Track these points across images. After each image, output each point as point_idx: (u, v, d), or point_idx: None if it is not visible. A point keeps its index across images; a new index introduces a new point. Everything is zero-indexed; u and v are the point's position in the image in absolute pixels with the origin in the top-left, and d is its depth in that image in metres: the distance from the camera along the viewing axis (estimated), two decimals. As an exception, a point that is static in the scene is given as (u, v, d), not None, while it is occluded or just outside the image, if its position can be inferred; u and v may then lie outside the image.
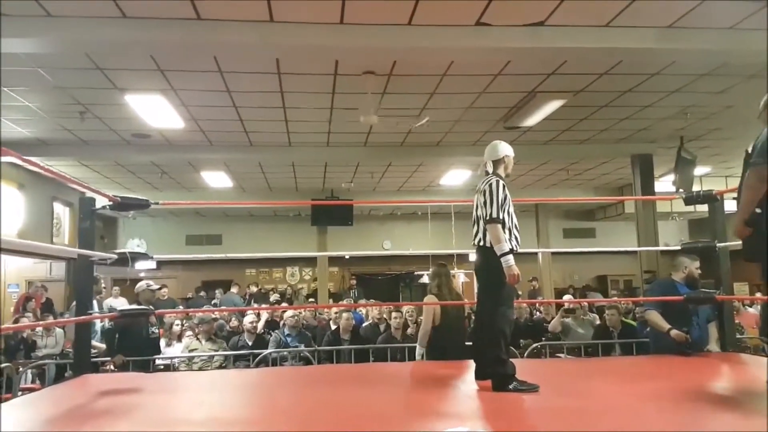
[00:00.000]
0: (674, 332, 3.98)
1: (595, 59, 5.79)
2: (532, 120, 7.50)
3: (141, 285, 5.71)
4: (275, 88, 6.46)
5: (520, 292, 11.47)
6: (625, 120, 8.11)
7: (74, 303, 4.01)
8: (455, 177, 11.29)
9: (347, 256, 16.04)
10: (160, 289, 6.06)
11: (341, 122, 7.81)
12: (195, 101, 6.93)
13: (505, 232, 3.12)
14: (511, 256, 3.06)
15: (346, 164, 10.45)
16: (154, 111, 7.10)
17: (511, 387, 3.01)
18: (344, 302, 10.63)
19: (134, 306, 5.16)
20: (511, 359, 3.14)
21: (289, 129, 8.15)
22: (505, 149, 3.38)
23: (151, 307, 4.84)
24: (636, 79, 6.50)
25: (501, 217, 3.11)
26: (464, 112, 7.53)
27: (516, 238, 3.21)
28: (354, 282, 15.22)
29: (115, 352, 5.21)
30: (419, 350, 4.47)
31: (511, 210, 3.22)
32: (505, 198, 3.18)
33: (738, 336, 5.51)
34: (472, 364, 3.28)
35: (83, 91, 6.52)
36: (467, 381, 3.34)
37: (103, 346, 5.98)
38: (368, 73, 5.92)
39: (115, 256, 3.88)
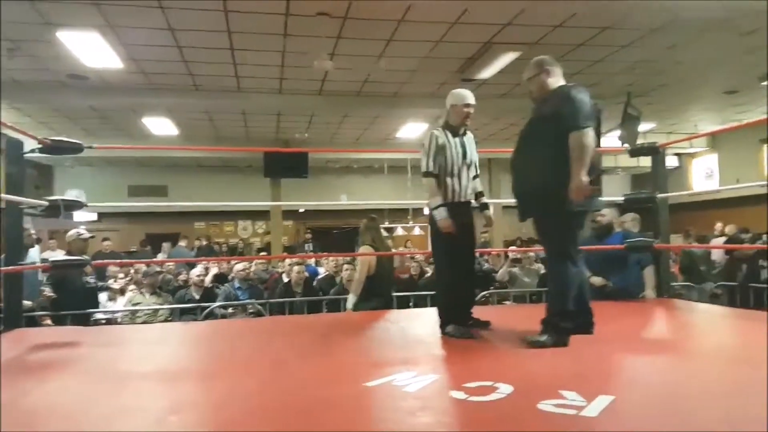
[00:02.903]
0: (593, 279, 4.16)
1: (551, 10, 5.75)
2: (488, 72, 7.45)
3: (71, 234, 5.25)
4: (222, 27, 6.12)
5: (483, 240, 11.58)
6: (577, 75, 8.14)
7: (2, 256, 3.74)
8: (412, 130, 11.18)
9: (302, 209, 15.81)
10: (92, 237, 5.65)
11: (294, 68, 7.52)
12: (134, 40, 6.51)
13: (441, 185, 3.12)
14: (441, 209, 3.07)
15: (300, 113, 10.15)
16: (90, 49, 6.65)
17: (449, 331, 3.07)
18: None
19: (67, 257, 4.82)
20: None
21: (238, 73, 7.80)
22: (450, 99, 3.28)
23: (86, 256, 4.56)
24: (589, 32, 6.52)
25: (431, 170, 3.12)
26: (421, 62, 7.39)
27: (455, 190, 3.17)
28: (309, 236, 15.10)
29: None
30: (352, 298, 4.67)
31: (452, 160, 3.16)
32: (439, 149, 3.13)
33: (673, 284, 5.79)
34: (416, 314, 3.31)
35: (11, 26, 6.00)
36: (415, 329, 3.37)
37: (30, 303, 5.64)
38: (322, 14, 5.67)
39: (45, 204, 3.63)
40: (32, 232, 5.51)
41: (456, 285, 3.24)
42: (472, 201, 3.31)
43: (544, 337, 2.73)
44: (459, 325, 3.11)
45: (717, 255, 8.20)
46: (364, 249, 4.75)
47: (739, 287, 5.93)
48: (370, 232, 4.75)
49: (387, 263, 4.88)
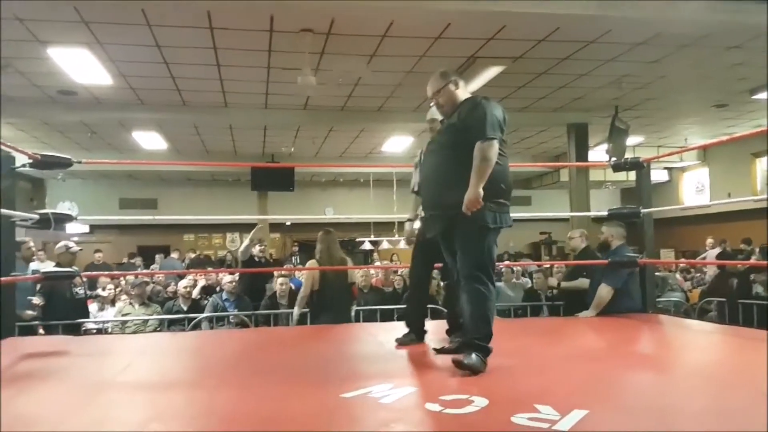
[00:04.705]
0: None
1: (534, 25, 5.83)
2: (472, 86, 7.49)
3: (60, 247, 5.38)
4: (208, 44, 6.19)
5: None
6: (562, 88, 8.26)
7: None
8: (397, 144, 11.25)
9: (288, 222, 15.84)
10: (80, 250, 5.75)
11: (279, 83, 7.59)
12: (123, 56, 6.58)
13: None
14: (406, 223, 3.49)
15: (286, 128, 10.23)
16: (80, 66, 6.73)
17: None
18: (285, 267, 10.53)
19: (57, 269, 4.89)
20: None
21: (224, 88, 7.87)
22: (426, 116, 3.34)
23: (75, 268, 4.62)
24: (573, 46, 6.58)
25: (412, 188, 3.39)
26: (405, 77, 7.47)
27: (421, 203, 3.23)
28: (296, 248, 15.11)
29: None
30: (297, 311, 4.77)
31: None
32: (415, 168, 3.39)
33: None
34: (396, 327, 3.42)
35: (3, 44, 6.03)
36: (393, 342, 3.30)
37: (32, 312, 5.69)
38: (305, 30, 5.74)
39: (36, 216, 3.67)
40: (31, 245, 5.58)
41: (411, 293, 3.40)
42: None
43: (473, 359, 2.49)
44: (410, 332, 3.23)
45: (710, 270, 8.16)
46: (311, 262, 4.83)
47: (727, 303, 5.84)
48: (322, 244, 4.76)
49: (337, 278, 4.73)
